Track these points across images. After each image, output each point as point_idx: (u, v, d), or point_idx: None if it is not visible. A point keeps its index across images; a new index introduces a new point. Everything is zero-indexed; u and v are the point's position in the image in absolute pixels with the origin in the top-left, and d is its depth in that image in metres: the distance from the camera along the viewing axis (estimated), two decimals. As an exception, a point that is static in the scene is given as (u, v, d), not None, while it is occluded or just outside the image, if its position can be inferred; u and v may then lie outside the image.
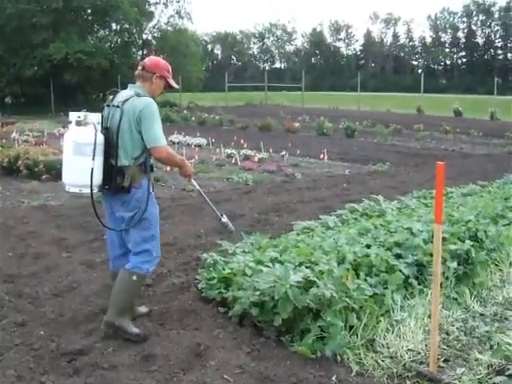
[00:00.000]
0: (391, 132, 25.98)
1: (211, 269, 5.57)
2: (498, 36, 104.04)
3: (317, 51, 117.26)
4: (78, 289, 5.75)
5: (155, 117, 4.55)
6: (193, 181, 5.20)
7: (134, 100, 4.56)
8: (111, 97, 4.75)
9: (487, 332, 4.82)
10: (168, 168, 12.10)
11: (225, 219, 5.48)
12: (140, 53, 56.82)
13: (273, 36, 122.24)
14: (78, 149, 4.40)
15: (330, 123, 26.93)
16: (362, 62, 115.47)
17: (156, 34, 56.99)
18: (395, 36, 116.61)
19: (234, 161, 15.37)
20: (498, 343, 4.36)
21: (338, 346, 4.28)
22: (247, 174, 13.04)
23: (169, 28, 56.88)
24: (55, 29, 43.72)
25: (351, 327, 4.48)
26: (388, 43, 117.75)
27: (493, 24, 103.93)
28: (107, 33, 51.69)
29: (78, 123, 4.45)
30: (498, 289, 5.90)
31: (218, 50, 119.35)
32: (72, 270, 6.30)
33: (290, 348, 4.38)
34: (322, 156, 16.89)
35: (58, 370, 4.10)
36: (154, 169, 4.91)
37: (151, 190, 4.69)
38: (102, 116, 4.60)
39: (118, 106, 4.57)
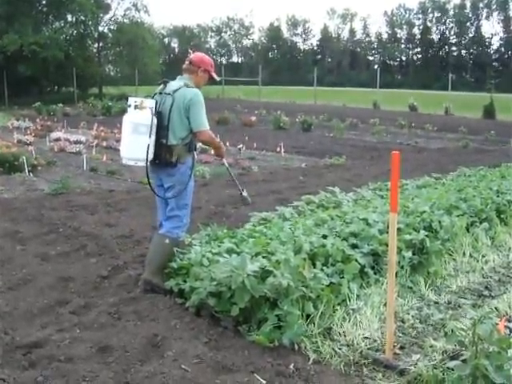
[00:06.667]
0: (347, 126, 26.22)
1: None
2: (452, 33, 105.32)
3: (274, 46, 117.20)
4: (32, 281, 5.66)
5: (201, 105, 5.38)
6: (224, 160, 6.17)
7: (184, 90, 5.37)
8: (162, 86, 5.53)
9: (441, 319, 4.91)
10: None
11: (245, 193, 6.38)
12: (96, 45, 56.23)
13: (230, 30, 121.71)
14: (135, 128, 5.19)
15: (286, 117, 27.01)
16: (319, 57, 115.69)
17: (112, 27, 56.47)
18: (352, 32, 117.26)
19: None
20: (451, 330, 4.43)
21: (295, 335, 4.30)
22: (204, 167, 12.99)
23: (125, 21, 56.41)
24: (9, 20, 42.92)
25: (308, 316, 4.51)
26: (345, 39, 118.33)
27: (447, 21, 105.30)
28: (62, 24, 50.98)
29: (136, 107, 5.23)
30: (452, 278, 6.01)
31: (175, 44, 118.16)
32: (26, 263, 6.20)
33: (247, 337, 4.39)
34: (278, 149, 16.96)
35: (13, 363, 4.02)
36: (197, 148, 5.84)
37: (193, 167, 5.51)
38: (156, 102, 5.34)
39: (169, 94, 5.37)
